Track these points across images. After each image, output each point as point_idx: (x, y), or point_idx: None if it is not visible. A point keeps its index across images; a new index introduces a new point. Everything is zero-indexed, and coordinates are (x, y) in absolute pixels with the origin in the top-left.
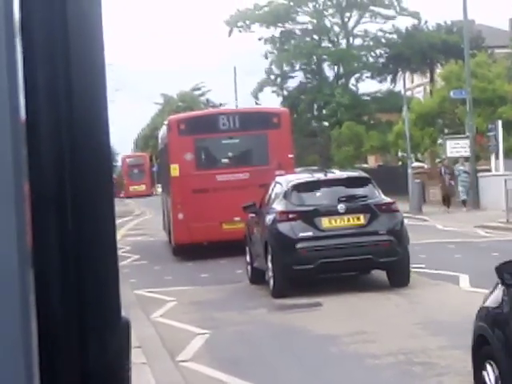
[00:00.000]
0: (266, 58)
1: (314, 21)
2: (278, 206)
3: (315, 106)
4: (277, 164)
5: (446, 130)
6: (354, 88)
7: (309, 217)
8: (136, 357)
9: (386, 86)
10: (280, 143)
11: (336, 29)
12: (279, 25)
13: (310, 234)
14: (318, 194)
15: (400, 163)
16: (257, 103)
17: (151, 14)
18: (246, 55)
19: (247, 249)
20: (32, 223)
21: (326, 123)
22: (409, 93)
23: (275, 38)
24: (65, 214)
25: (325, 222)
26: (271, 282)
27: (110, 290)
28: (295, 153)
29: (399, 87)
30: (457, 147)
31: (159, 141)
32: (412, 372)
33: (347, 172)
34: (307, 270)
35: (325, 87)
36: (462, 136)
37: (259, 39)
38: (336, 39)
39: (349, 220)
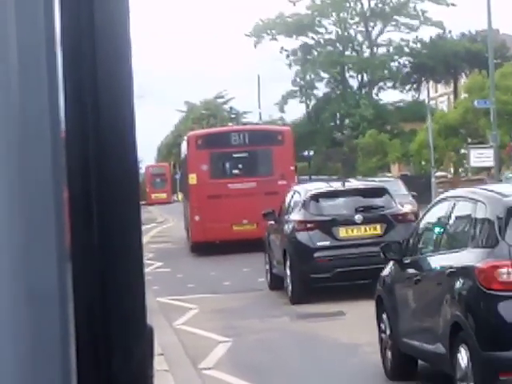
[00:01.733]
0: (290, 67)
1: (339, 30)
2: (297, 215)
3: (338, 116)
4: (280, 175)
5: (470, 140)
6: (376, 97)
7: (326, 226)
8: (159, 364)
9: (409, 95)
10: (283, 157)
11: (360, 38)
12: (303, 35)
13: (327, 243)
14: (335, 203)
15: (423, 172)
16: (281, 117)
17: (175, 21)
18: (269, 62)
19: (266, 255)
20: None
21: (350, 132)
22: (432, 102)
23: (297, 50)
24: (91, 222)
25: (342, 232)
26: (289, 288)
27: (135, 297)
28: (318, 161)
29: (423, 96)
30: (481, 157)
31: (181, 153)
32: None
33: (364, 182)
34: (324, 279)
35: (348, 97)
36: (486, 146)
37: (280, 52)
38: (360, 48)
39: (366, 230)
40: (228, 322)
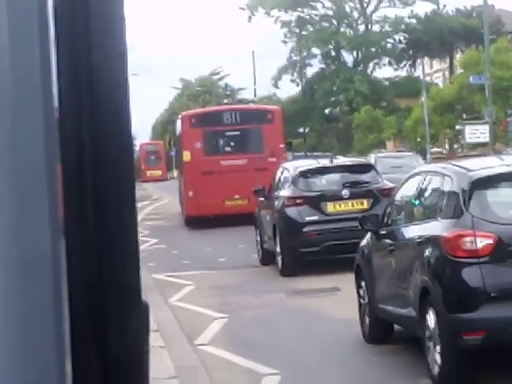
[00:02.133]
0: (285, 43)
1: (333, 6)
2: (286, 191)
3: (333, 92)
4: (270, 152)
5: (465, 116)
6: (373, 75)
7: (315, 202)
8: (154, 340)
9: (404, 71)
10: (273, 135)
11: (355, 14)
12: (298, 9)
13: (315, 218)
14: (323, 180)
15: (418, 148)
16: (275, 91)
17: None
18: (265, 39)
19: (257, 231)
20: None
21: (346, 108)
22: (428, 78)
23: (292, 23)
24: (85, 199)
25: (330, 207)
26: (279, 262)
27: (130, 273)
28: (314, 138)
29: (418, 73)
30: (476, 133)
31: (176, 131)
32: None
33: (351, 159)
34: (313, 252)
35: (343, 73)
36: (481, 121)
37: (275, 22)
38: (355, 25)
39: (353, 205)
40: (223, 298)
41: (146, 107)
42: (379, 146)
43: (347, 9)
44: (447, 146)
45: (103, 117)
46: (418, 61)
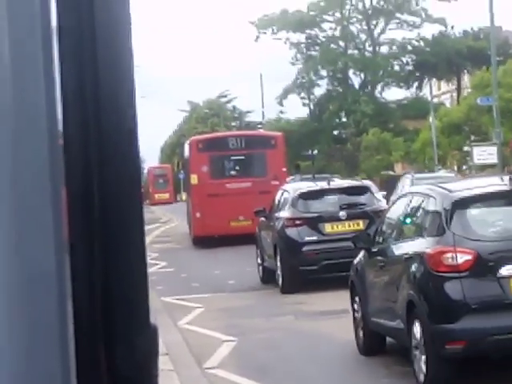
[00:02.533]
0: (293, 64)
1: (340, 28)
2: (286, 212)
3: (341, 114)
4: (273, 176)
5: (473, 137)
6: (379, 96)
7: (313, 223)
8: (163, 363)
9: (412, 93)
10: (276, 160)
11: (362, 36)
12: (306, 32)
13: (314, 238)
14: (321, 201)
15: (426, 170)
16: (281, 112)
17: (175, 19)
18: (272, 61)
19: (258, 250)
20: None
21: (354, 130)
22: (435, 100)
23: (301, 44)
24: (93, 220)
25: (328, 228)
26: (280, 280)
27: (139, 294)
28: (322, 160)
29: (425, 94)
30: (484, 154)
31: (183, 154)
32: None
33: (348, 181)
34: (312, 271)
35: (351, 95)
36: (489, 143)
37: (285, 42)
38: (362, 46)
39: (349, 225)
40: (232, 320)
41: (154, 130)
42: (387, 168)
43: (354, 31)
44: (455, 168)
45: (111, 140)
46: (425, 82)
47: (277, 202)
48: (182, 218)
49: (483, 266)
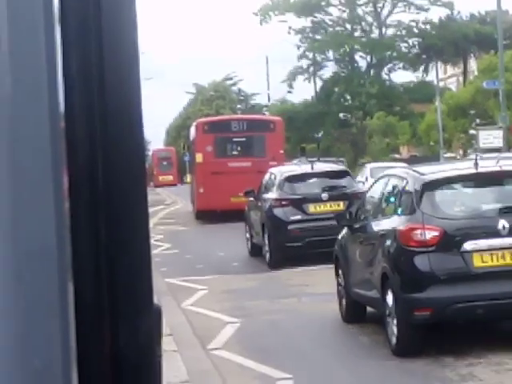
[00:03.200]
0: (298, 48)
1: (347, 10)
2: (274, 194)
3: (348, 97)
4: (271, 157)
5: (478, 121)
6: (386, 80)
7: (298, 203)
8: (167, 344)
9: (418, 76)
10: (274, 142)
11: (369, 19)
12: (311, 15)
13: (299, 217)
14: (305, 184)
15: (432, 153)
16: (289, 91)
17: (182, 2)
18: (278, 44)
19: (247, 227)
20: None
21: (360, 113)
22: (441, 83)
23: (306, 29)
24: (97, 202)
25: (311, 208)
26: (267, 255)
27: (142, 275)
28: (327, 143)
29: (432, 77)
30: (489, 138)
31: (190, 136)
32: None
33: (330, 165)
34: (297, 247)
35: (356, 77)
36: (495, 127)
37: (289, 32)
38: (369, 29)
39: (331, 206)
40: (236, 302)
41: (160, 111)
42: (393, 151)
43: (361, 13)
44: (461, 151)
45: (115, 121)
46: (432, 65)
47: (265, 183)
48: (186, 200)
49: (448, 242)
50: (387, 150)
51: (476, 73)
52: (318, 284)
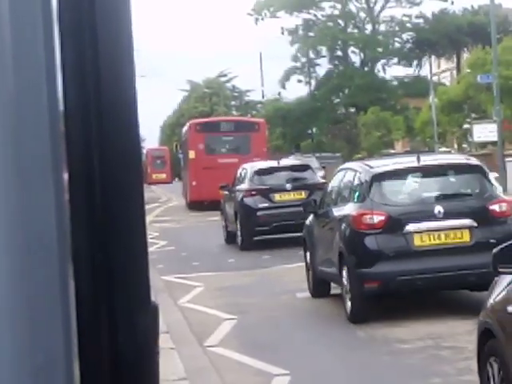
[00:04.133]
0: (292, 45)
1: (339, 6)
2: (245, 185)
3: (340, 94)
4: (256, 154)
5: (473, 115)
6: (380, 74)
7: (265, 193)
8: (164, 342)
9: (412, 71)
10: (258, 141)
11: (362, 14)
12: (304, 11)
13: (266, 205)
14: (272, 176)
15: (427, 148)
16: (280, 92)
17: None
18: (272, 41)
19: (223, 217)
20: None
21: (353, 109)
22: (435, 78)
23: (299, 27)
24: (94, 199)
25: (277, 197)
26: (239, 240)
27: (139, 272)
28: (322, 139)
29: (425, 72)
30: (484, 132)
31: (182, 134)
32: (440, 356)
33: (293, 160)
34: (264, 231)
35: (350, 73)
36: (489, 120)
37: (282, 33)
38: (362, 25)
39: (294, 195)
40: (233, 299)
41: (154, 109)
42: (387, 146)
43: (353, 9)
44: (456, 146)
45: (111, 117)
46: (425, 59)
47: (238, 177)
48: (181, 198)
49: (393, 225)
50: (381, 144)
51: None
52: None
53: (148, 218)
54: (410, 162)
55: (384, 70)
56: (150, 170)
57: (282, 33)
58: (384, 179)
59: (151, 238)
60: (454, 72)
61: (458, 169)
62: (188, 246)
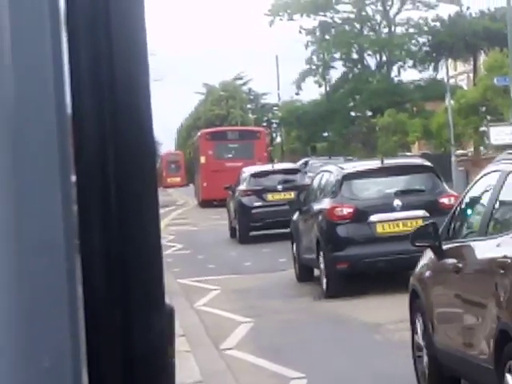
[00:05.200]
0: (306, 48)
1: (355, 10)
2: (242, 186)
3: (356, 96)
4: (258, 159)
5: (489, 118)
6: (396, 77)
7: (259, 193)
8: (180, 345)
9: (428, 74)
10: (260, 147)
11: (377, 17)
12: (320, 14)
13: (260, 204)
14: (266, 178)
15: (443, 151)
16: (297, 94)
17: (192, 2)
18: (288, 43)
19: (228, 215)
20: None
21: (370, 112)
22: (452, 80)
23: (315, 29)
24: (108, 202)
25: (269, 196)
26: (238, 233)
27: (153, 274)
28: (338, 141)
29: (441, 75)
30: (501, 134)
31: (194, 142)
32: None
33: (286, 164)
34: (258, 226)
35: (366, 76)
36: (506, 123)
37: (299, 32)
38: (378, 28)
39: (284, 195)
40: (249, 302)
41: (171, 112)
42: (404, 149)
43: (370, 12)
44: (472, 149)
45: (125, 122)
46: (442, 63)
47: (238, 179)
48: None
49: (360, 216)
50: (397, 147)
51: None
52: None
53: (164, 222)
54: (375, 164)
55: (399, 72)
56: (165, 174)
57: (300, 31)
58: (353, 178)
59: (167, 241)
60: (471, 75)
61: (414, 169)
62: (204, 249)
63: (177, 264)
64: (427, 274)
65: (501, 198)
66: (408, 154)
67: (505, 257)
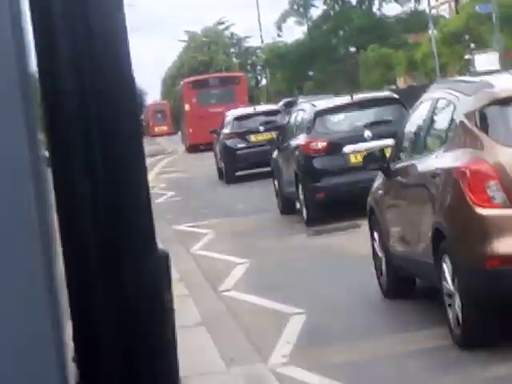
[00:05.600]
0: None
1: None
2: (226, 129)
3: (339, 33)
4: (238, 103)
5: (473, 46)
6: (378, 11)
7: (242, 135)
8: (178, 290)
9: (409, 7)
10: (240, 92)
11: None
12: None
13: (243, 145)
14: (248, 121)
15: (429, 82)
16: (279, 35)
17: None
18: None
19: (215, 158)
20: (63, 157)
21: (353, 49)
22: (434, 11)
23: None
24: (93, 148)
25: (252, 138)
26: (224, 174)
27: (142, 218)
28: (322, 79)
29: (423, 6)
30: (486, 62)
31: (177, 91)
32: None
33: (266, 106)
34: (242, 167)
35: (347, 13)
36: (491, 49)
37: None
38: None
39: (266, 136)
40: (244, 243)
41: (155, 62)
42: (390, 83)
43: None
44: (457, 77)
45: (104, 72)
46: None
47: (222, 123)
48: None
49: (333, 148)
50: (382, 81)
51: None
52: (326, 220)
53: (154, 171)
54: (345, 99)
55: (381, 7)
56: (152, 123)
57: None
58: (324, 114)
59: (159, 189)
60: (453, 4)
61: (382, 102)
62: (196, 195)
63: (170, 211)
64: (380, 192)
65: (432, 120)
66: (394, 87)
67: (437, 168)
